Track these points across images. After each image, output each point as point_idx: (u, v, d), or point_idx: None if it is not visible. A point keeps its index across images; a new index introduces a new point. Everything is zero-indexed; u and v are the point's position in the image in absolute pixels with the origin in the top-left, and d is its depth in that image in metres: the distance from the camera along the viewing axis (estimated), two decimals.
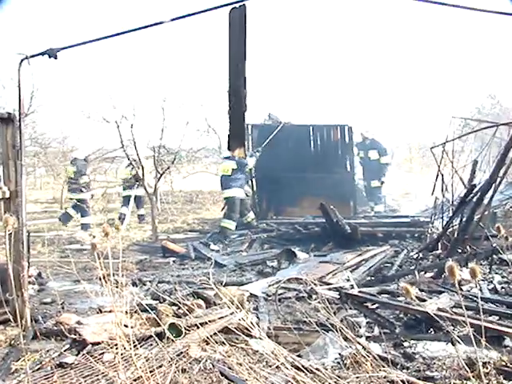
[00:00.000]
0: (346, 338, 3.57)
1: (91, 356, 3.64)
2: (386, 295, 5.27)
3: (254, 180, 12.40)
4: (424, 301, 4.65)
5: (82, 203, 12.29)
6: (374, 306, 4.91)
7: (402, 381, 2.88)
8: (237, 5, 3.90)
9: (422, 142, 26.93)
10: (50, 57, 4.32)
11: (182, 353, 3.68)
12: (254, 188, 12.50)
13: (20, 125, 4.56)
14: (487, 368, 3.21)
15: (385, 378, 3.08)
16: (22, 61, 4.47)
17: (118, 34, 4.09)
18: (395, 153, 19.78)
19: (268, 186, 12.36)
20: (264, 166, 11.94)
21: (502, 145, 9.34)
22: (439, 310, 4.32)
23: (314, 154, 12.79)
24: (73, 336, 4.20)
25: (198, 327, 4.03)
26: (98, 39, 4.15)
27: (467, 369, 2.84)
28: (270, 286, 5.98)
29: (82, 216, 12.38)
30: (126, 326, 3.22)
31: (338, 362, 3.73)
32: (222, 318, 4.46)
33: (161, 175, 12.48)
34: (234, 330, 3.67)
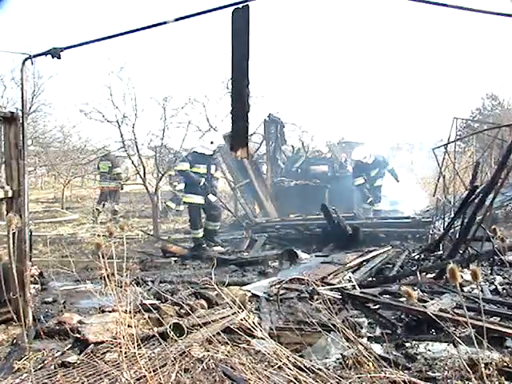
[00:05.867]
0: (347, 339, 3.58)
1: (94, 355, 3.65)
2: (388, 296, 5.28)
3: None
4: (426, 302, 4.66)
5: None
6: (376, 307, 4.92)
7: (403, 381, 2.88)
8: (240, 5, 3.91)
9: (423, 142, 26.93)
10: (53, 57, 4.32)
11: (184, 352, 3.69)
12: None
13: (23, 124, 4.56)
14: (489, 369, 3.21)
15: (386, 378, 3.08)
16: (25, 60, 4.48)
17: (121, 34, 4.09)
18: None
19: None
20: None
21: (503, 146, 9.37)
22: (441, 310, 4.34)
23: None
24: (75, 335, 4.21)
25: (201, 327, 4.04)
26: (101, 39, 4.16)
27: (469, 369, 2.84)
28: (271, 286, 5.98)
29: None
30: (128, 325, 3.22)
31: (340, 363, 3.73)
32: (224, 318, 4.47)
33: (162, 175, 12.50)
34: (236, 330, 3.68)
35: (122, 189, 15.21)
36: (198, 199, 9.82)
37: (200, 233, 9.85)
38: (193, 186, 9.84)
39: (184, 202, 10.43)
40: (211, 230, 10.07)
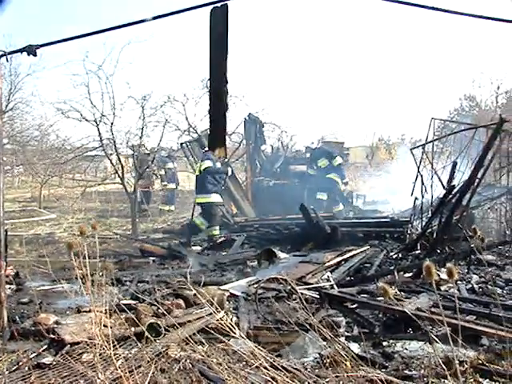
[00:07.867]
0: (325, 338, 3.59)
1: (70, 356, 3.61)
2: (366, 295, 5.31)
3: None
4: (403, 300, 4.69)
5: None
6: (354, 306, 4.94)
7: (380, 380, 2.90)
8: (218, 4, 3.90)
9: (402, 142, 27.25)
10: (28, 54, 4.25)
11: (161, 353, 3.66)
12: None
13: None
14: (464, 366, 3.24)
15: (364, 377, 3.09)
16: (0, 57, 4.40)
17: (100, 32, 4.06)
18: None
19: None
20: None
21: (480, 147, 9.47)
22: (418, 309, 4.37)
23: None
24: (51, 336, 4.16)
25: (178, 327, 4.01)
26: (78, 36, 4.11)
27: (444, 367, 2.86)
28: (249, 285, 5.97)
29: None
30: (105, 325, 3.19)
31: (318, 362, 3.74)
32: (202, 317, 4.45)
33: (140, 174, 12.41)
34: (214, 330, 3.67)
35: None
36: (219, 197, 10.29)
37: (217, 229, 10.13)
38: (215, 185, 10.15)
39: (206, 203, 10.26)
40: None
